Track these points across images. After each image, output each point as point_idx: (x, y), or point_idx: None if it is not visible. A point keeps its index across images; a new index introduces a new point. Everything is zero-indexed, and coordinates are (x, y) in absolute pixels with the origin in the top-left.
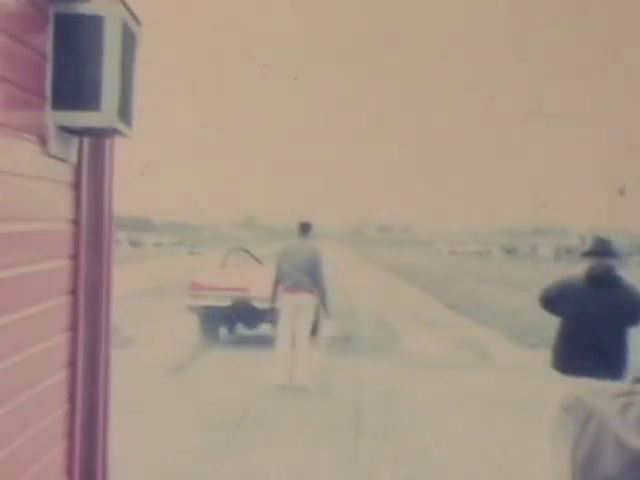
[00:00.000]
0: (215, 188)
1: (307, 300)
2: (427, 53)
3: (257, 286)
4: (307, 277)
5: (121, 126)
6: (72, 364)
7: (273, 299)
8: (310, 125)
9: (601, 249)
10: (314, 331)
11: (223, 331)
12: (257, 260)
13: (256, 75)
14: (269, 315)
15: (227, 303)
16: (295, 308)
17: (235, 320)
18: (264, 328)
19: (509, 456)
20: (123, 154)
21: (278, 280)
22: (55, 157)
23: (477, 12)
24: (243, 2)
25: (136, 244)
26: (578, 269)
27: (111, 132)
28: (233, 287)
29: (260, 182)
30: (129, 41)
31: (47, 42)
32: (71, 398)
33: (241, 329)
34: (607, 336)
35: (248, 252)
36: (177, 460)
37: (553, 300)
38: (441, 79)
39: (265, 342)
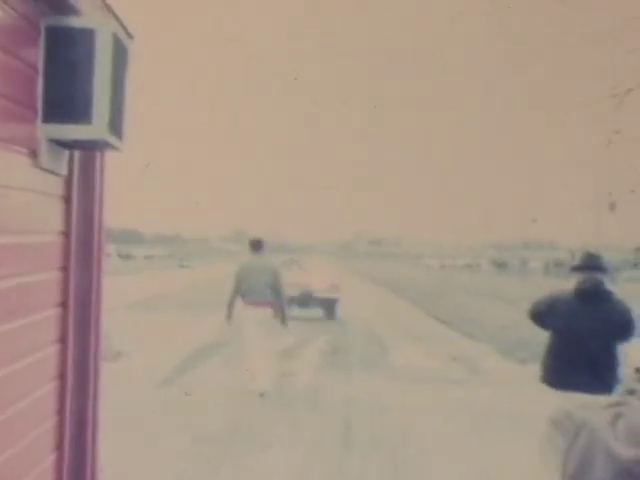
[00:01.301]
0: (206, 201)
1: (268, 313)
2: (426, 57)
3: (315, 283)
4: (268, 291)
5: (112, 139)
6: (62, 376)
7: (229, 313)
8: (296, 139)
9: (590, 263)
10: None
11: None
12: (301, 267)
13: (256, 76)
14: (320, 302)
15: (296, 293)
16: (257, 320)
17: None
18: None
19: (499, 470)
20: (121, 157)
21: (235, 296)
22: (46, 170)
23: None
24: (243, 2)
25: (126, 257)
26: (567, 284)
27: (102, 145)
28: (299, 283)
29: (252, 195)
30: (120, 54)
31: (38, 55)
32: (60, 410)
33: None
34: (596, 350)
35: (297, 262)
36: (165, 473)
37: (542, 314)
38: (436, 88)
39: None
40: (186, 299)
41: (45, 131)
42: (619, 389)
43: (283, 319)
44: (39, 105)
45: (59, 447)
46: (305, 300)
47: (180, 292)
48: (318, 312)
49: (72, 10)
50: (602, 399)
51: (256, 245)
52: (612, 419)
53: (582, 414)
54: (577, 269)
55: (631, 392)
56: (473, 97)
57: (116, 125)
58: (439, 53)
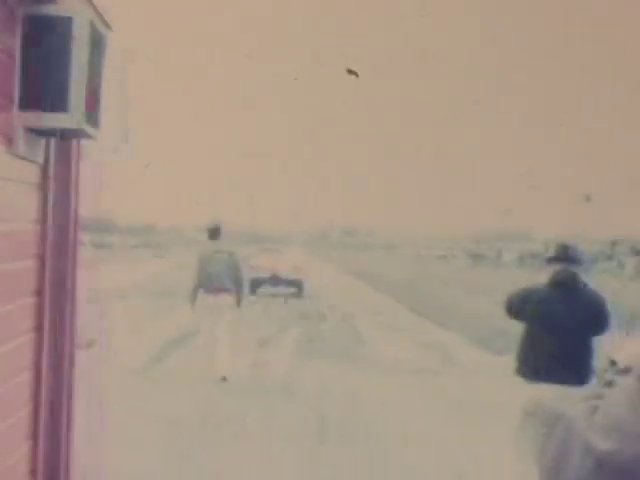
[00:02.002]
0: (182, 191)
1: (227, 300)
2: (412, 51)
3: (283, 266)
4: (227, 279)
5: (88, 128)
6: (36, 365)
7: (193, 300)
8: (266, 131)
9: (565, 255)
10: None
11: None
12: (279, 252)
13: (256, 76)
14: (291, 283)
15: (266, 274)
16: (217, 307)
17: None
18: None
19: (474, 460)
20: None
21: (198, 284)
22: (22, 158)
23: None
24: (243, 3)
25: (100, 246)
26: (542, 275)
27: (78, 133)
28: (271, 266)
29: (226, 185)
30: (97, 43)
31: (15, 43)
32: (35, 399)
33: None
34: (571, 342)
35: (277, 250)
36: (141, 462)
37: (517, 307)
38: (421, 82)
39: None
40: (158, 288)
41: (21, 119)
42: (593, 381)
43: (239, 302)
44: (15, 93)
45: (34, 435)
46: (275, 281)
47: (153, 281)
48: (290, 290)
49: None
50: (577, 391)
51: (214, 233)
52: (589, 411)
53: (558, 406)
54: (552, 261)
55: (608, 384)
56: (463, 86)
57: (92, 114)
58: (439, 54)
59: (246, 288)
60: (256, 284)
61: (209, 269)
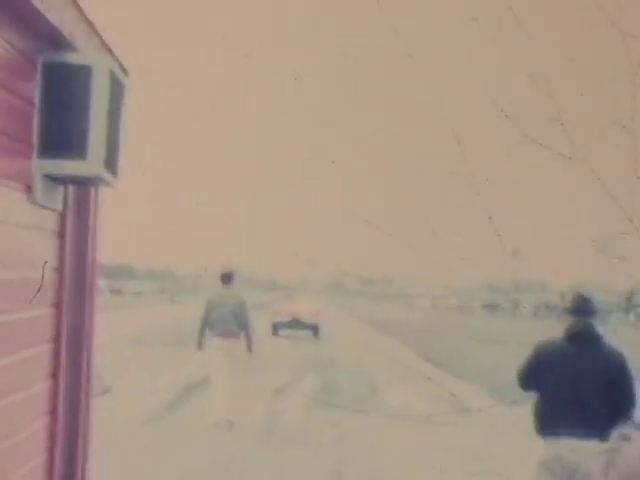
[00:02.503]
0: (198, 237)
1: (235, 344)
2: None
3: (303, 311)
4: (235, 323)
5: (107, 175)
6: (53, 412)
7: (200, 344)
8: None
9: (581, 307)
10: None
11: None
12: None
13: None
14: (308, 326)
15: (287, 319)
16: (225, 351)
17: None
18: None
19: None
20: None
21: (204, 327)
22: (41, 205)
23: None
24: (243, 2)
25: (117, 292)
26: (557, 326)
27: (97, 181)
28: (291, 312)
29: (242, 231)
30: (117, 91)
31: (35, 91)
32: (51, 447)
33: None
34: (588, 395)
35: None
36: None
37: (531, 375)
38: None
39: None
40: (175, 335)
41: (40, 166)
42: (612, 436)
43: (249, 346)
44: (35, 140)
45: None
46: (294, 324)
47: (169, 328)
48: (307, 333)
49: (69, 47)
50: (592, 444)
51: (227, 278)
52: (605, 465)
53: (574, 459)
54: (569, 312)
55: (624, 438)
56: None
57: (111, 161)
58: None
59: (268, 330)
60: (278, 327)
61: (216, 313)
